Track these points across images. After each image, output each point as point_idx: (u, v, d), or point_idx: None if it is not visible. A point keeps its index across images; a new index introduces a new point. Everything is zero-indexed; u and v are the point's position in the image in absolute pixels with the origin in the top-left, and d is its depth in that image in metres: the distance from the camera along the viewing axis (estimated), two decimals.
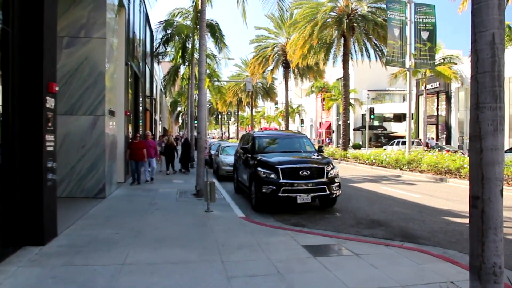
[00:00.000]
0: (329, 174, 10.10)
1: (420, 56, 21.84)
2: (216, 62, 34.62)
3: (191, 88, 24.93)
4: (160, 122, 46.39)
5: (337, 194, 10.22)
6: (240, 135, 51.36)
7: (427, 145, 34.94)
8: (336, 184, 10.15)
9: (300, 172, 9.85)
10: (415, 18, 21.75)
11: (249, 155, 11.54)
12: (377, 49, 30.07)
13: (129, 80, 16.21)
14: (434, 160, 18.42)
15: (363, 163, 24.84)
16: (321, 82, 57.54)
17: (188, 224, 8.30)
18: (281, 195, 9.68)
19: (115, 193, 12.35)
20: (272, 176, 9.86)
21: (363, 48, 30.95)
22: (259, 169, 10.19)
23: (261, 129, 67.21)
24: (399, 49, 21.66)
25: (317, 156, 11.24)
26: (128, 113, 15.61)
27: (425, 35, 21.79)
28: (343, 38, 29.31)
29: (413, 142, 37.00)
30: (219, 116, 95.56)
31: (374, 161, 23.62)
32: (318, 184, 9.87)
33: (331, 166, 10.39)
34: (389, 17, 21.74)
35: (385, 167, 22.19)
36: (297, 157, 10.96)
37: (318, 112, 68.73)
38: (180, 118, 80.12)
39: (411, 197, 12.70)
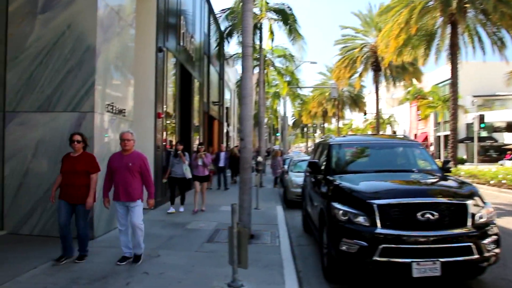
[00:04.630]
0: (476, 218, 4.99)
1: None
2: (297, 66, 30.50)
3: (261, 91, 20.86)
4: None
5: (492, 261, 5.01)
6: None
7: None
8: (492, 239, 4.98)
9: (419, 214, 4.82)
10: None
11: (321, 176, 6.79)
12: (496, 38, 23.67)
13: (167, 71, 12.28)
14: None
15: (485, 184, 18.55)
16: (415, 87, 50.70)
17: None
18: (377, 259, 4.77)
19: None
20: (360, 219, 4.99)
21: (475, 40, 24.65)
22: (336, 204, 5.35)
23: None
24: None
25: (444, 179, 6.14)
26: (162, 116, 11.65)
27: None
28: (450, 25, 23.37)
29: None
30: (305, 129, 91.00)
31: (503, 181, 17.33)
32: (456, 239, 4.83)
33: (480, 202, 5.26)
34: None
35: None
36: (408, 182, 5.93)
37: (413, 123, 61.19)
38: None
39: None
